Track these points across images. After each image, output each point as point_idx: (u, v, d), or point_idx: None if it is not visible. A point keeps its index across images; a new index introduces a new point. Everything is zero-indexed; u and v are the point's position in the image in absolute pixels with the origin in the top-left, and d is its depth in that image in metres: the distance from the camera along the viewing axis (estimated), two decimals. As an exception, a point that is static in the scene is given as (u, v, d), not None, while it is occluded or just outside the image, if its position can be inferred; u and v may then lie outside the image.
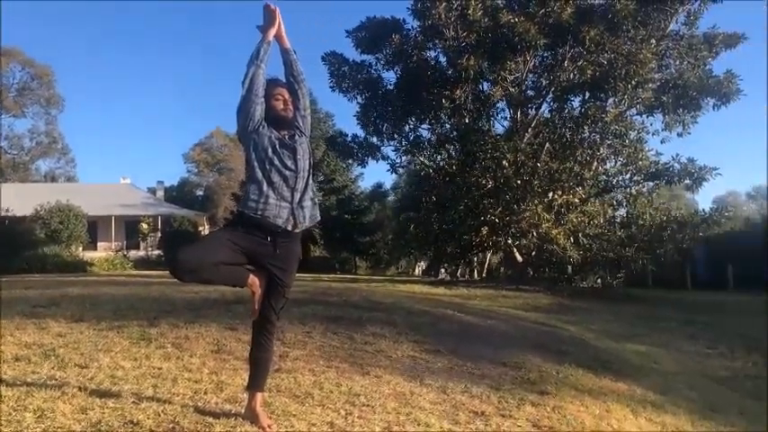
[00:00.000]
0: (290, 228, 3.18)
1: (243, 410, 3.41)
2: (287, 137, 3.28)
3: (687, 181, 17.18)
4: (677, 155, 17.18)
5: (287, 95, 3.36)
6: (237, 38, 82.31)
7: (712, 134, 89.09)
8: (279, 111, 3.32)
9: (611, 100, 17.44)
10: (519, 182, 16.71)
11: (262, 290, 3.25)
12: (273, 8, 3.31)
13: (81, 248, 29.76)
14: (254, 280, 3.22)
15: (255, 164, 3.19)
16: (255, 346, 3.37)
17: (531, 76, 18.78)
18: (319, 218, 3.39)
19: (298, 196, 3.22)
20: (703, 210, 18.48)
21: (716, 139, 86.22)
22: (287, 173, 3.20)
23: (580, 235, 17.14)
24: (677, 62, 18.08)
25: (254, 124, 3.23)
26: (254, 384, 3.37)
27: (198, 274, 3.05)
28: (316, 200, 3.39)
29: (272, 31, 3.33)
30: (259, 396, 3.38)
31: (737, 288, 21.73)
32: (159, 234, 35.92)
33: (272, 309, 3.29)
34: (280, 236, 3.18)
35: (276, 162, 3.19)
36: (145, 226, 35.62)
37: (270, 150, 3.20)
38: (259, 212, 3.11)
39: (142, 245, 36.27)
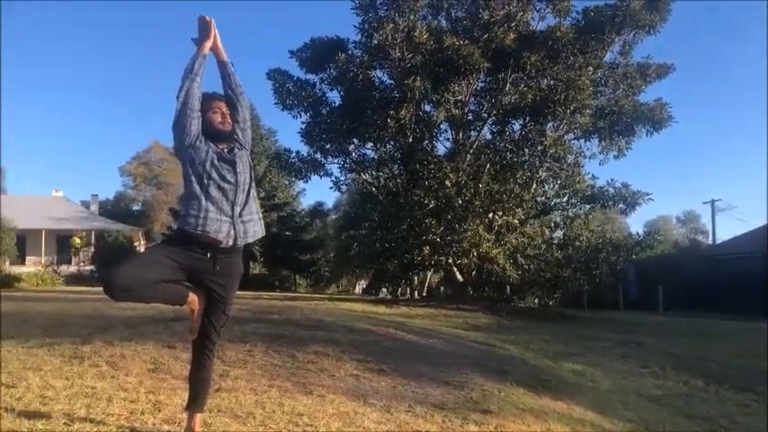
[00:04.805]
0: (230, 242, 3.09)
1: (181, 431, 3.31)
2: (226, 150, 3.20)
3: (621, 205, 17.76)
4: (612, 179, 17.81)
5: (225, 108, 3.27)
6: (179, 50, 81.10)
7: (646, 160, 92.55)
8: (216, 124, 3.23)
9: (550, 124, 17.89)
10: (460, 202, 16.92)
11: (201, 307, 3.16)
12: (209, 20, 3.22)
13: (8, 263, 28.52)
14: (193, 298, 3.12)
15: (193, 179, 3.10)
16: (195, 365, 3.28)
17: (473, 98, 19.13)
18: (263, 233, 3.29)
19: (238, 210, 3.13)
20: (637, 233, 19.21)
21: (649, 164, 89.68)
22: (226, 186, 3.11)
23: (519, 255, 17.43)
24: (612, 90, 18.73)
25: (191, 139, 3.14)
26: (194, 404, 3.28)
27: (134, 293, 2.91)
28: (260, 215, 3.31)
29: (208, 44, 3.24)
30: (198, 416, 3.30)
31: (667, 309, 22.52)
32: (92, 249, 34.77)
33: (212, 327, 3.21)
34: (220, 252, 3.08)
35: (214, 176, 3.10)
36: (77, 240, 34.49)
37: (208, 164, 3.11)
38: (199, 228, 3.01)
39: (74, 260, 35.07)
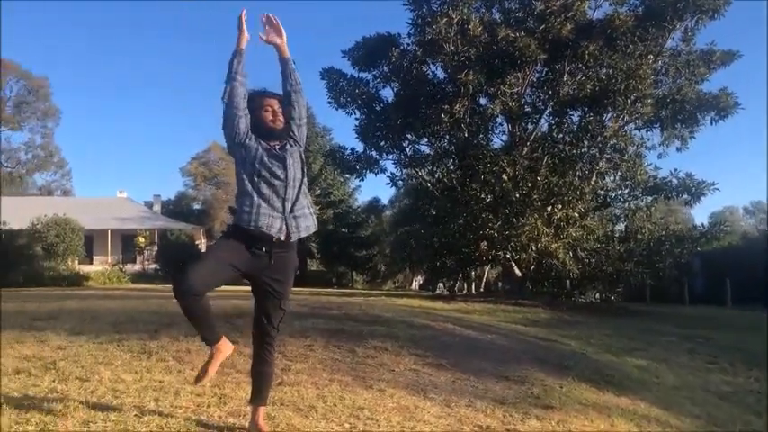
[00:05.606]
0: (283, 237, 3.13)
1: (247, 424, 3.38)
2: (276, 147, 3.24)
3: (685, 196, 17.18)
4: (676, 170, 17.26)
5: (276, 106, 3.30)
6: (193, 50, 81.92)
7: (710, 149, 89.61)
8: (267, 122, 3.27)
9: (609, 114, 17.45)
10: (518, 196, 16.71)
11: (224, 356, 3.19)
12: (240, 15, 3.26)
13: (77, 262, 29.62)
14: (224, 344, 3.18)
15: (244, 176, 3.16)
16: (256, 360, 3.35)
17: (530, 90, 18.83)
18: (315, 228, 3.32)
19: (289, 206, 3.17)
20: (702, 224, 18.56)
21: (714, 154, 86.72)
22: (276, 182, 3.15)
23: (579, 249, 17.09)
24: (674, 78, 18.15)
25: (240, 137, 3.19)
26: (257, 398, 3.35)
27: (198, 302, 2.99)
28: (312, 210, 3.33)
29: (244, 40, 3.28)
30: (262, 410, 3.37)
31: (735, 303, 21.71)
32: (156, 248, 35.80)
33: (269, 322, 3.26)
34: (275, 246, 3.13)
35: (264, 173, 3.14)
36: (141, 239, 35.52)
37: (257, 162, 3.15)
38: (252, 224, 3.06)
39: (138, 258, 36.17)
